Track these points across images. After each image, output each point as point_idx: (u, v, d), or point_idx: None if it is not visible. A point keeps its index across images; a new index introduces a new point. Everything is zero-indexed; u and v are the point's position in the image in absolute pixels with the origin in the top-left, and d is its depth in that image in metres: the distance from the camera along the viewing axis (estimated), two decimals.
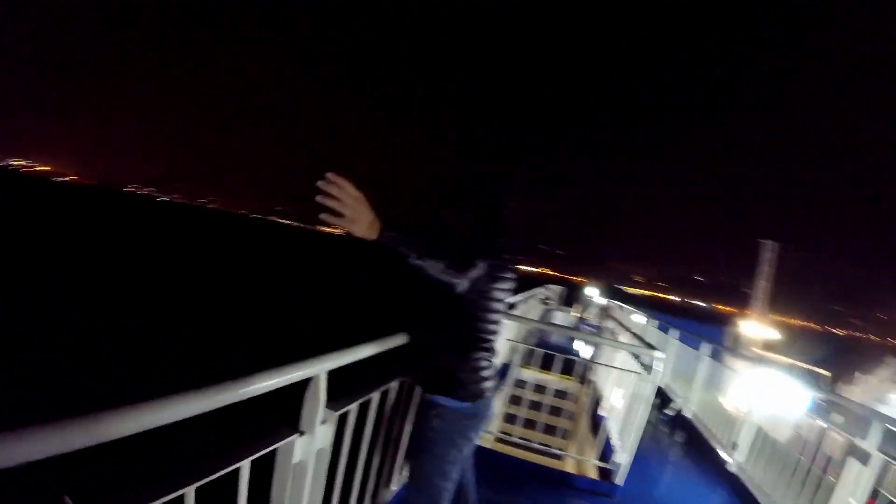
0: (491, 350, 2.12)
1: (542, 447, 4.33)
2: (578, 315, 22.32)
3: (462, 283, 1.80)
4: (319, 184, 1.45)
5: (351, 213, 1.49)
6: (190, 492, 1.16)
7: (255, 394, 1.29)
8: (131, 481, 1.04)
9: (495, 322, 2.10)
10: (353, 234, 1.54)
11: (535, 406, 4.86)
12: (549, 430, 5.08)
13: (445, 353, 2.04)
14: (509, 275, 2.10)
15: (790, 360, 21.86)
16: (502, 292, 2.09)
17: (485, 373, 2.06)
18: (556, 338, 11.87)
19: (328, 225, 1.49)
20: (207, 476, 1.19)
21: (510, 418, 5.87)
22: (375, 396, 2.18)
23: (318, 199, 1.44)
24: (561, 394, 7.47)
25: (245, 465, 1.33)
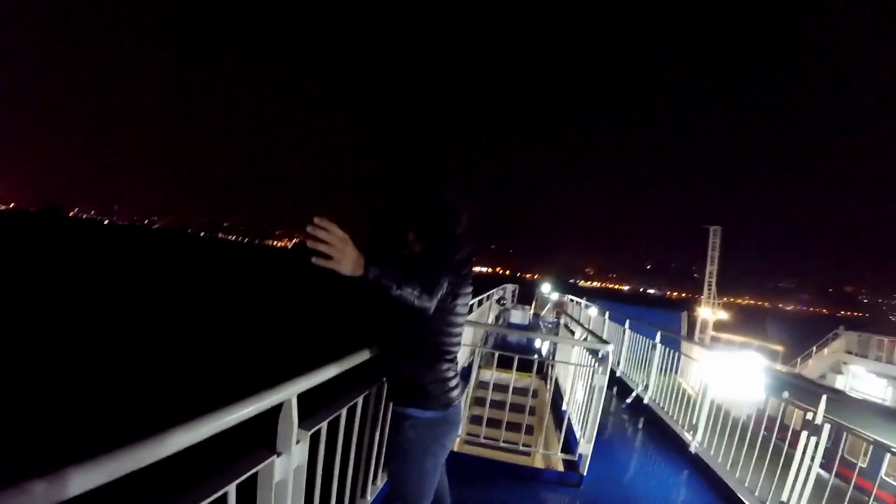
0: (454, 359, 2.20)
1: (509, 445, 4.42)
2: (534, 312, 22.59)
3: (432, 305, 1.84)
4: (308, 228, 1.51)
5: (338, 254, 1.56)
6: None
7: (232, 424, 1.35)
8: None
9: (458, 333, 2.20)
10: (339, 272, 1.59)
11: (499, 405, 4.94)
12: (514, 427, 5.19)
13: (412, 366, 2.10)
14: (468, 284, 2.19)
15: (743, 339, 22.59)
16: (463, 303, 2.17)
17: (452, 382, 2.15)
18: (514, 336, 12.02)
19: (318, 266, 1.54)
20: (199, 503, 1.26)
21: (475, 419, 5.95)
22: (343, 413, 2.24)
23: (309, 244, 1.51)
24: (523, 391, 7.60)
25: (231, 490, 1.40)
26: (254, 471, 1.55)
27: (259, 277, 78.09)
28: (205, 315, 34.23)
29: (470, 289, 2.22)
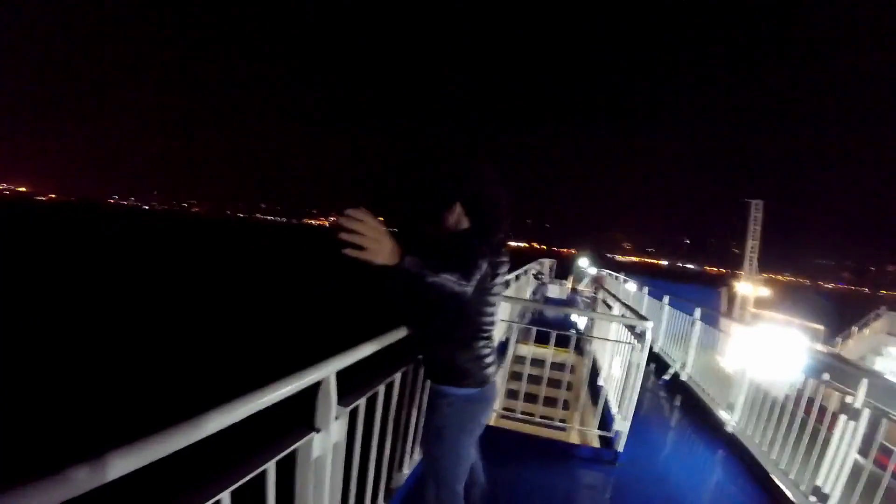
0: (490, 337, 2.19)
1: (545, 420, 4.42)
2: (571, 287, 22.51)
3: (471, 289, 1.80)
4: (340, 220, 1.46)
5: (374, 245, 1.49)
6: (226, 497, 1.24)
7: (274, 402, 1.37)
8: (167, 491, 1.13)
9: (495, 312, 2.18)
10: (374, 263, 1.54)
11: (535, 380, 4.94)
12: (550, 402, 5.19)
13: (450, 345, 2.10)
14: (505, 261, 2.16)
15: (784, 317, 22.11)
16: (501, 282, 2.15)
17: (488, 360, 2.15)
18: (551, 312, 11.97)
19: (351, 257, 1.48)
20: (239, 480, 1.28)
21: (511, 394, 5.96)
22: (381, 389, 2.27)
23: (342, 236, 1.44)
24: (559, 366, 7.59)
25: (271, 467, 1.42)
26: (293, 448, 1.57)
27: (298, 256, 79.09)
28: (246, 296, 34.83)
29: (506, 267, 2.19)
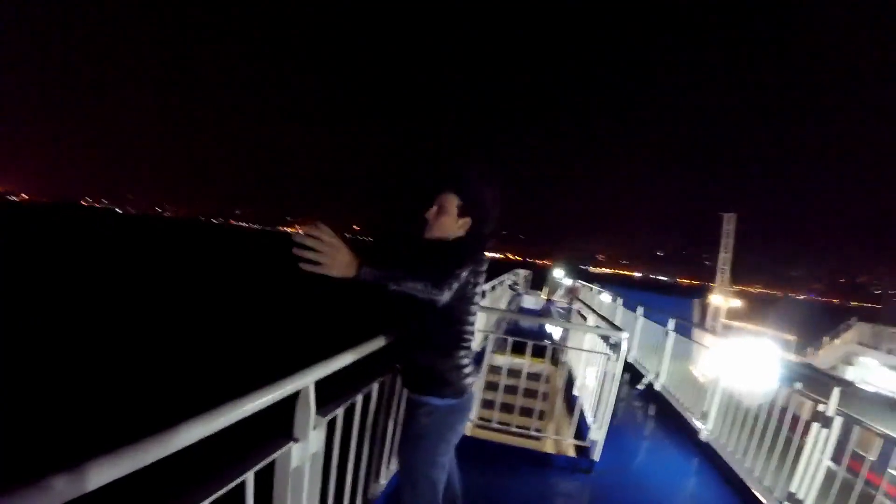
0: (470, 347, 2.20)
1: (520, 429, 4.44)
2: (546, 297, 22.65)
3: (444, 297, 1.83)
4: (295, 237, 1.52)
5: (328, 259, 1.56)
6: None
7: (252, 412, 1.36)
8: (146, 502, 1.12)
9: (475, 321, 2.18)
10: (332, 276, 1.59)
11: (511, 390, 4.95)
12: (526, 412, 5.20)
13: (431, 354, 2.10)
14: (484, 268, 2.14)
15: (756, 327, 22.49)
16: (480, 289, 2.15)
17: (467, 369, 2.15)
18: (526, 322, 12.03)
19: (307, 272, 1.54)
20: (218, 491, 1.26)
21: (487, 403, 5.98)
22: (359, 399, 2.26)
23: (295, 251, 1.50)
24: (535, 376, 7.62)
25: (250, 477, 1.41)
26: (272, 458, 1.56)
27: (273, 264, 78.52)
28: (222, 304, 34.33)
29: (484, 276, 2.18)
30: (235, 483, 1.34)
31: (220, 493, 1.27)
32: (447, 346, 2.10)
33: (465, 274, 1.93)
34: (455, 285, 1.88)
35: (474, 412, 4.85)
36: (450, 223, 2.11)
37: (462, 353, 2.14)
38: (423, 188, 2.22)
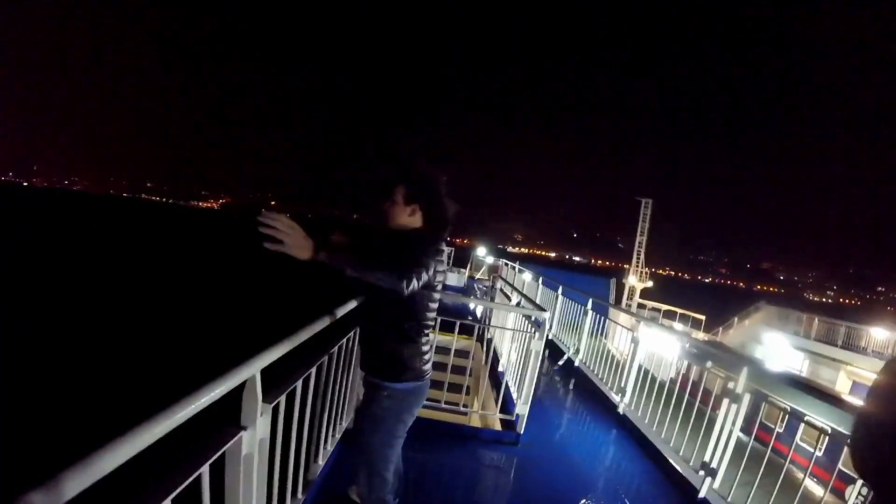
0: (430, 333, 2.29)
1: (449, 405, 4.55)
2: (469, 275, 22.98)
3: (408, 289, 1.89)
4: (258, 219, 1.66)
5: (290, 239, 1.72)
6: None
7: (203, 407, 1.34)
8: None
9: (435, 308, 2.27)
10: (293, 256, 1.74)
11: (440, 367, 5.05)
12: (455, 388, 5.32)
13: (395, 340, 2.17)
14: (444, 257, 2.24)
15: (668, 306, 23.59)
16: (442, 277, 2.24)
17: (427, 355, 2.26)
18: (449, 299, 12.13)
19: (270, 251, 1.69)
20: (177, 488, 1.26)
21: None
22: (299, 384, 2.29)
23: (261, 229, 1.65)
24: (462, 353, 7.72)
25: (205, 470, 1.41)
26: (224, 449, 1.57)
27: (194, 243, 73.53)
28: (151, 289, 31.19)
29: (444, 265, 2.27)
30: (193, 477, 1.35)
31: (179, 489, 1.27)
32: (410, 333, 2.17)
33: (428, 269, 2.00)
34: (422, 277, 1.95)
35: None
36: (400, 212, 2.17)
37: (424, 339, 2.23)
38: (381, 183, 2.26)
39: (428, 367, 2.27)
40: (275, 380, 2.08)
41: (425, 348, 2.25)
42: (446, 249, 2.29)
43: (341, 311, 2.75)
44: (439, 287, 2.24)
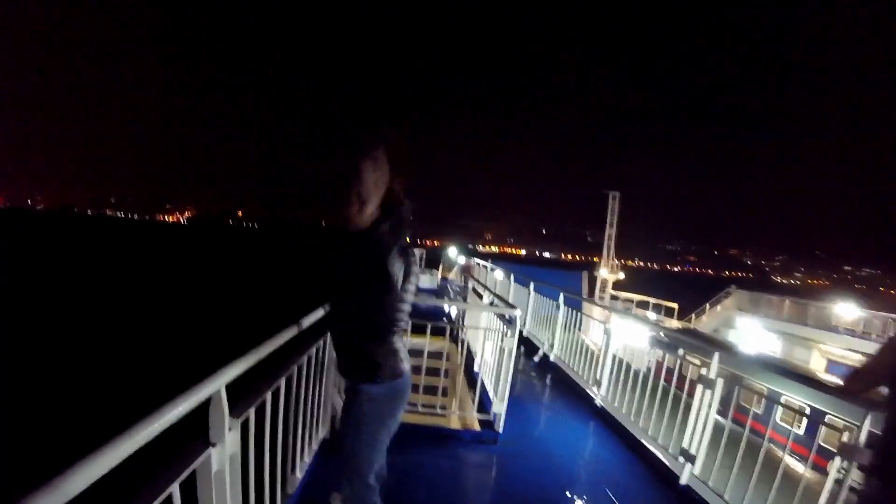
0: (401, 332, 2.26)
1: (426, 408, 4.54)
2: (441, 276, 22.99)
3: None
4: None
5: None
6: None
7: (169, 424, 1.33)
8: None
9: (406, 309, 2.23)
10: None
11: (415, 370, 5.02)
12: (430, 390, 5.31)
13: (366, 341, 2.14)
14: (414, 258, 2.17)
15: (640, 297, 23.93)
16: (414, 278, 2.19)
17: (402, 354, 2.22)
18: (424, 303, 12.12)
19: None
20: None
21: None
22: (269, 396, 2.26)
23: None
24: (436, 354, 7.70)
25: (175, 489, 1.39)
26: (194, 466, 1.55)
27: (159, 257, 72.86)
28: (118, 304, 31.38)
29: (414, 265, 2.19)
30: (163, 497, 1.32)
31: None
32: (381, 333, 2.15)
33: (401, 266, 1.99)
34: (399, 275, 1.97)
35: None
36: (378, 176, 2.07)
37: (395, 338, 2.20)
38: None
39: (405, 366, 2.24)
40: (243, 393, 2.05)
41: (399, 346, 2.22)
42: (417, 251, 2.26)
43: (308, 321, 2.72)
44: (412, 288, 2.20)
